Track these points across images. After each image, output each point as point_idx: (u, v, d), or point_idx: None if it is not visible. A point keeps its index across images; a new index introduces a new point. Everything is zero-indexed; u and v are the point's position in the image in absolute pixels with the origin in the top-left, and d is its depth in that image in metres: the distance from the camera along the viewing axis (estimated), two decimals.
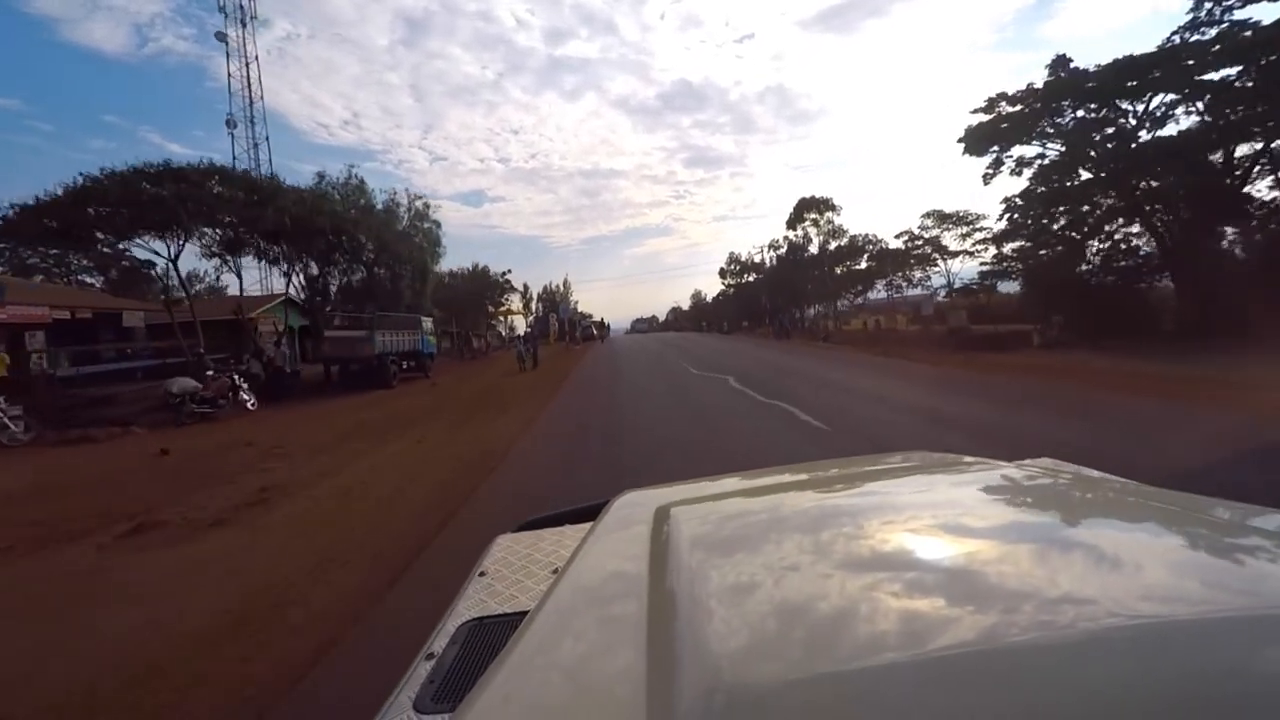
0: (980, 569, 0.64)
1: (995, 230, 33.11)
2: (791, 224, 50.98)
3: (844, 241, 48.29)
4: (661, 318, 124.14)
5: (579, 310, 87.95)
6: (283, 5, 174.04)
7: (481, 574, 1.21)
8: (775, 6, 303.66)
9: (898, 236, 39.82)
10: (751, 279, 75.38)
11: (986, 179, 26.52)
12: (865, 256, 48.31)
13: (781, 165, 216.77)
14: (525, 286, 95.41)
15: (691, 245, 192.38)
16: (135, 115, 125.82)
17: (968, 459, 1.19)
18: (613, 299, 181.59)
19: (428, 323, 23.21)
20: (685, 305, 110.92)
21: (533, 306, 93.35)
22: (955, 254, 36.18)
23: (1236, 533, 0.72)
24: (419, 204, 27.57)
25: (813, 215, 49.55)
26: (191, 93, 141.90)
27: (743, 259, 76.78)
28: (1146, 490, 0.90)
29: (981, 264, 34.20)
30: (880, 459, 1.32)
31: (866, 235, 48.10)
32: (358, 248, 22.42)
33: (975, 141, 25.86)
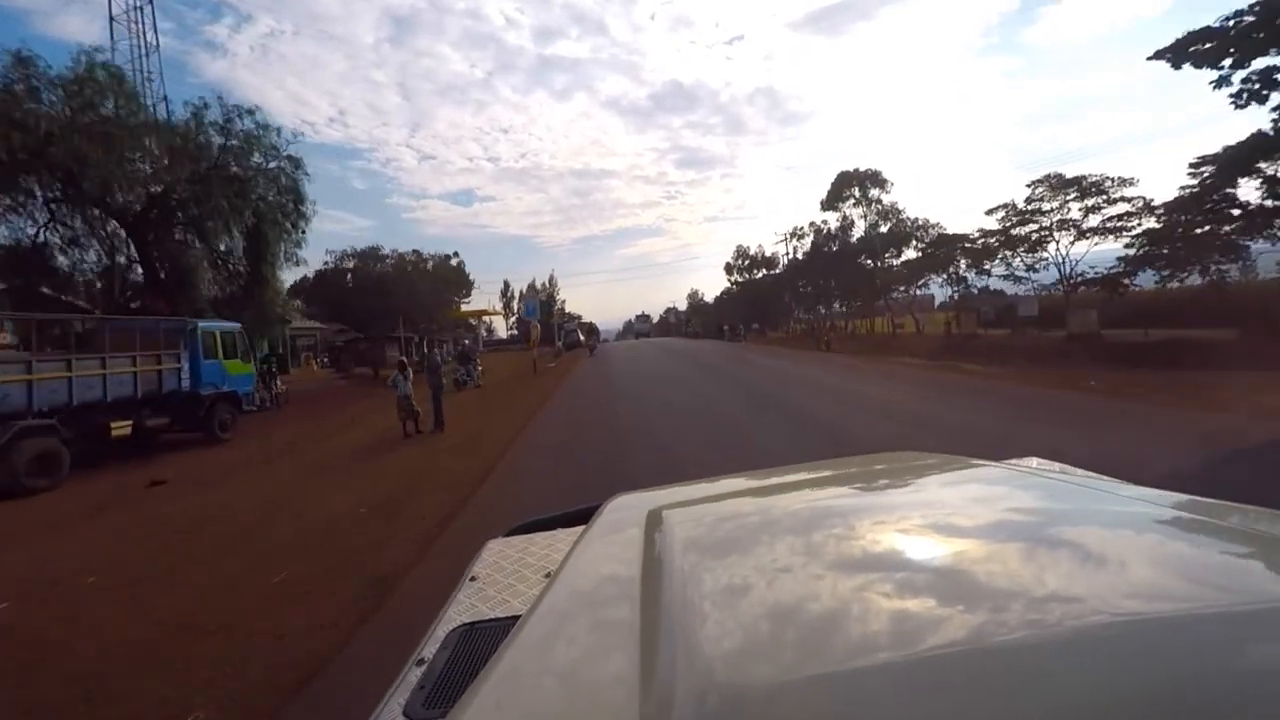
0: (968, 569, 0.62)
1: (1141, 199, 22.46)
2: (830, 203, 39.53)
3: (893, 223, 36.89)
4: (652, 319, 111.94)
5: (564, 310, 75.90)
6: (267, 1, 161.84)
7: (472, 579, 1.17)
8: (765, 8, 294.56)
9: (989, 212, 28.38)
10: (761, 275, 64.36)
11: (1240, 99, 15.33)
12: (913, 243, 37.00)
13: (772, 166, 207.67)
14: (506, 284, 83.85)
15: (683, 246, 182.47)
16: None
17: (956, 458, 1.15)
18: (603, 299, 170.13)
19: (218, 332, 11.40)
20: (681, 305, 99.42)
21: (514, 307, 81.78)
22: (1085, 233, 24.80)
23: (1218, 530, 0.70)
24: (252, 122, 14.24)
25: (853, 193, 38.13)
26: (171, 90, 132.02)
27: (751, 253, 65.76)
28: (1131, 489, 0.87)
29: (1128, 244, 23.02)
30: (870, 459, 1.27)
31: (917, 219, 36.81)
32: (77, 189, 10.59)
33: (1208, 47, 14.84)
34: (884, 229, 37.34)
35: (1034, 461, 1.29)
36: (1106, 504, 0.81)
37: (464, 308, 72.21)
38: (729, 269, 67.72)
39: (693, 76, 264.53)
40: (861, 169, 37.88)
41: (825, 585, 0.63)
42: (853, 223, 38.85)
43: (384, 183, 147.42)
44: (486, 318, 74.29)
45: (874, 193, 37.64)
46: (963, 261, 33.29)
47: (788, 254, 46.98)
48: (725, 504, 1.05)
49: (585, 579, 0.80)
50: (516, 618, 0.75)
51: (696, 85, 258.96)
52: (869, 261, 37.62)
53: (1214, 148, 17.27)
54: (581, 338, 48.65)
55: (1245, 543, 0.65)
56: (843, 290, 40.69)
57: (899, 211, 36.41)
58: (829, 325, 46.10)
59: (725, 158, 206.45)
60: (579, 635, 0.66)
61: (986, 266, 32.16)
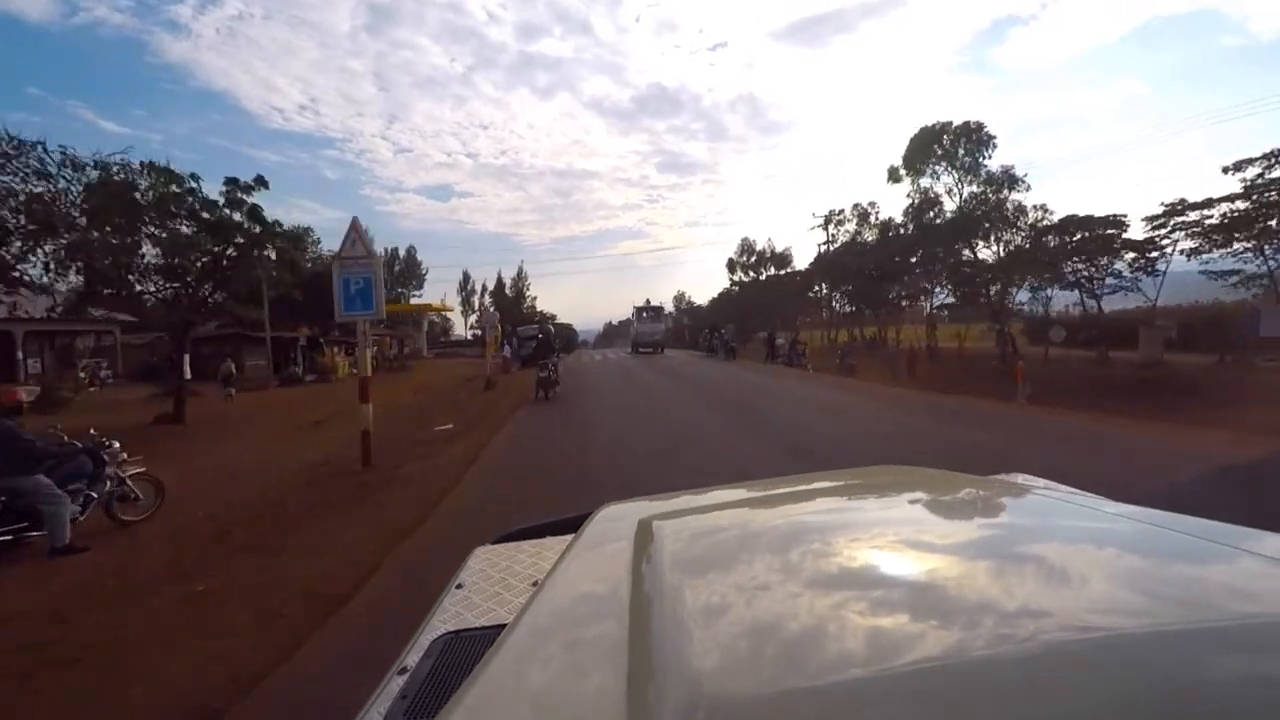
0: (955, 584, 0.61)
1: None
2: (905, 171, 27.11)
3: (993, 197, 24.75)
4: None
5: (535, 308, 61.90)
6: None
7: (458, 586, 1.12)
8: (749, 16, 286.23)
9: (1231, 169, 16.35)
10: (766, 275, 52.26)
11: None
12: (992, 232, 25.09)
13: (752, 175, 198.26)
14: (465, 275, 69.28)
15: (665, 249, 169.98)
16: (63, 90, 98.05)
17: (944, 473, 1.14)
18: (583, 299, 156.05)
19: None
20: (668, 307, 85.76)
21: (475, 302, 67.75)
22: None
23: (1200, 548, 0.68)
24: None
25: (940, 155, 25.86)
26: (130, 69, 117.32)
27: (758, 248, 53.56)
28: (1116, 506, 0.85)
29: None
30: (860, 473, 1.22)
31: (1006, 198, 24.83)
32: None
33: None
34: (970, 204, 25.15)
35: (1019, 477, 1.25)
36: (1091, 520, 0.80)
37: (414, 301, 58.37)
38: (732, 266, 55.48)
39: (676, 81, 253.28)
40: (961, 121, 25.54)
41: (816, 600, 0.60)
42: (935, 198, 26.58)
43: (358, 174, 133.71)
44: (439, 314, 60.56)
45: (972, 157, 25.39)
46: (1126, 255, 21.39)
47: (826, 242, 34.71)
48: (715, 515, 1.00)
49: (573, 589, 0.76)
50: (502, 626, 0.71)
51: (679, 90, 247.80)
52: (966, 251, 25.39)
53: None
54: (538, 346, 26.20)
55: (1227, 560, 0.63)
56: (915, 289, 28.41)
57: (1016, 180, 24.06)
58: (859, 340, 34.00)
59: (707, 163, 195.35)
60: (565, 646, 0.63)
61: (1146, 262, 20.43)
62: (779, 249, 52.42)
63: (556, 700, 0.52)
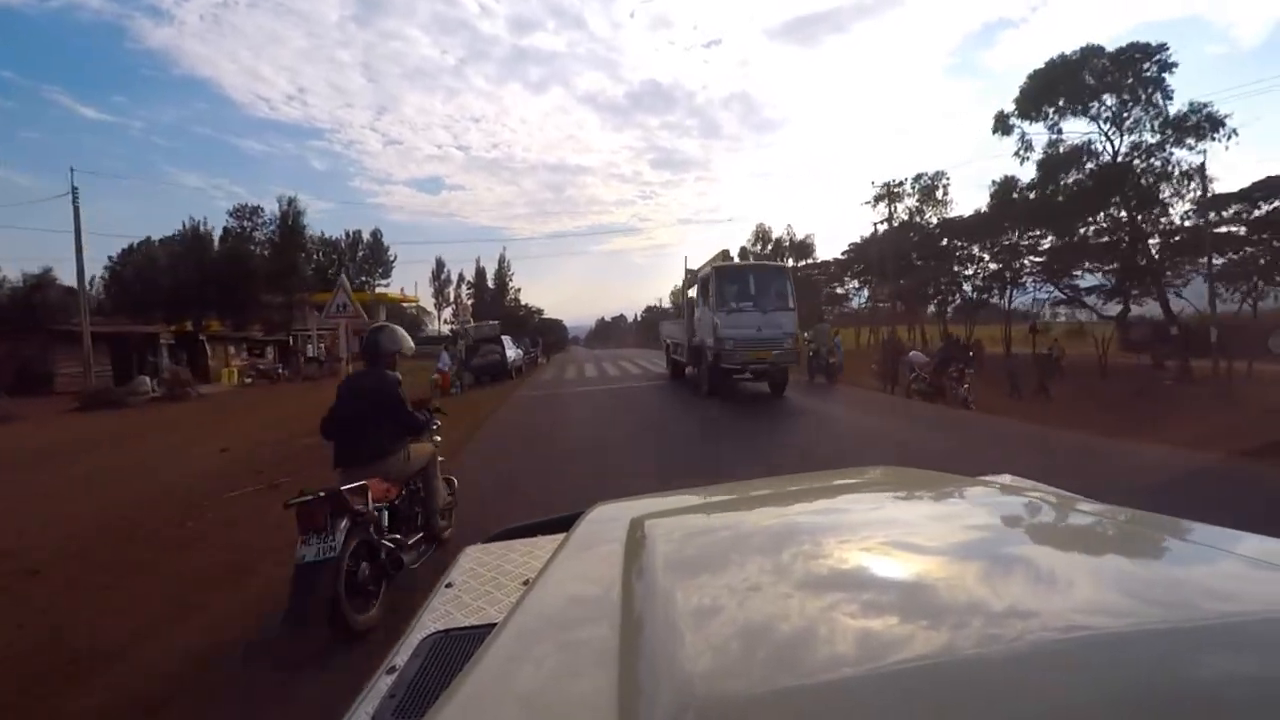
0: (944, 584, 0.61)
1: None
2: (1020, 116, 19.34)
3: (1181, 149, 17.41)
4: (629, 318, 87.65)
5: (519, 301, 53.16)
6: None
7: (448, 585, 1.09)
8: (743, 14, 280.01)
9: None
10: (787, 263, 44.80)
11: None
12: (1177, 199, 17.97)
13: (745, 173, 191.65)
14: (439, 263, 59.94)
15: (658, 246, 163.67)
16: (40, 74, 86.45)
17: (934, 474, 1.12)
18: (575, 295, 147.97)
19: None
20: (665, 303, 77.32)
21: (450, 294, 58.82)
22: None
23: (1183, 548, 0.68)
24: None
25: (1078, 97, 18.33)
26: (110, 55, 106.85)
27: (774, 235, 45.93)
28: (1104, 508, 0.84)
29: None
30: (850, 474, 1.20)
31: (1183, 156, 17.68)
32: None
33: None
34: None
35: (1008, 478, 1.24)
36: (1078, 520, 0.80)
37: (379, 290, 49.27)
38: (744, 256, 47.65)
39: (670, 77, 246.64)
40: (1108, 47, 18.02)
41: (806, 600, 0.59)
42: (1075, 150, 18.97)
43: (346, 165, 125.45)
44: (413, 306, 51.34)
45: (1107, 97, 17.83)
46: None
47: (883, 221, 27.14)
48: (707, 515, 0.99)
49: (563, 588, 0.75)
50: (492, 626, 0.70)
51: (673, 86, 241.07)
52: (1123, 214, 17.93)
53: None
54: (511, 354, 19.35)
55: (1209, 561, 0.64)
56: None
57: (1219, 123, 16.54)
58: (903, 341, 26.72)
59: (700, 160, 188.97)
60: (555, 645, 0.62)
61: None
62: (799, 237, 45.03)
63: (546, 700, 0.51)
